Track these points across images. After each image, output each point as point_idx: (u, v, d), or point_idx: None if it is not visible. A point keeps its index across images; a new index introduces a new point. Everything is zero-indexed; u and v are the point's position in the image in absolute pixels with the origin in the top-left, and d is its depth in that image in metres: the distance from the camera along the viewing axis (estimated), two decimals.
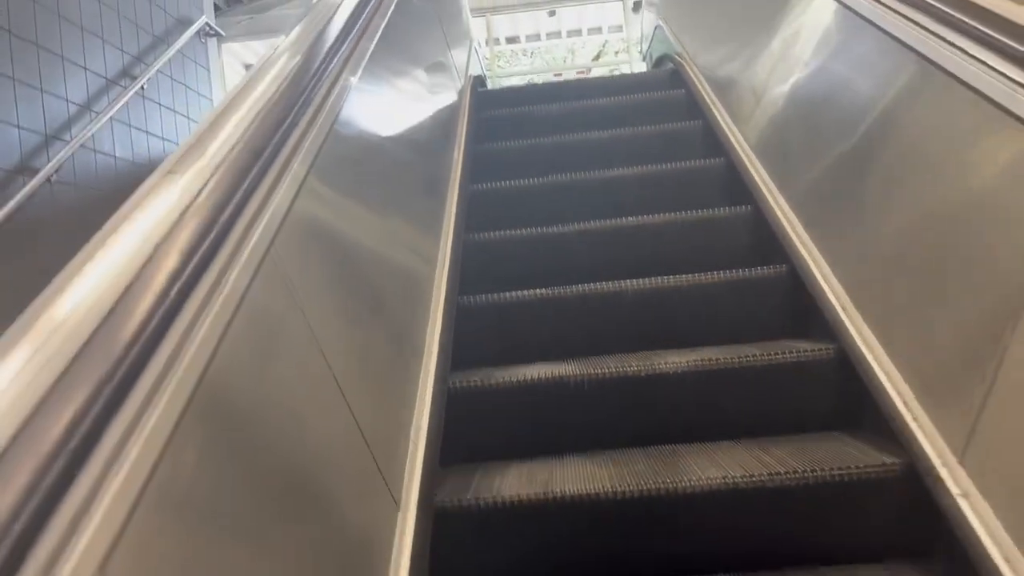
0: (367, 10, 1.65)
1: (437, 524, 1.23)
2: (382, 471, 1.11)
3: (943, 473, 1.17)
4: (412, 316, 1.59)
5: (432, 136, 2.26)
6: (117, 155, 3.98)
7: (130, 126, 4.12)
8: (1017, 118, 1.05)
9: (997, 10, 1.12)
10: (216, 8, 6.03)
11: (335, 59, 1.36)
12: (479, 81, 3.67)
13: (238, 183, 0.87)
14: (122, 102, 3.94)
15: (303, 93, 1.15)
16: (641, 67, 7.74)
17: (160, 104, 4.47)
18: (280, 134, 1.03)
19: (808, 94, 1.91)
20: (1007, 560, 1.00)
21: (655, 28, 4.35)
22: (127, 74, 4.14)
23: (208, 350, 0.69)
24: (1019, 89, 1.05)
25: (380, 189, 1.58)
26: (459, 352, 1.73)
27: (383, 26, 1.71)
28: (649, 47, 4.77)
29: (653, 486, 1.25)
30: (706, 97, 2.80)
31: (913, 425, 1.27)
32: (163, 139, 4.46)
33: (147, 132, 4.30)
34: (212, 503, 0.66)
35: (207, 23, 5.22)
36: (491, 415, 1.57)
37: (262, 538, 0.75)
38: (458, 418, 1.52)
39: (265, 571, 0.74)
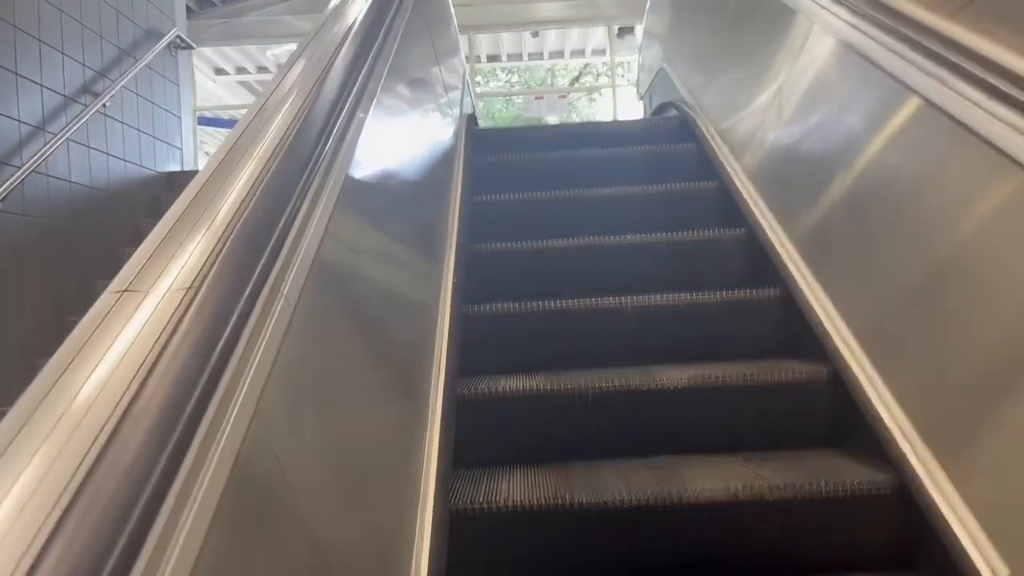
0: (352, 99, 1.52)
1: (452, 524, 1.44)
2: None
3: (930, 488, 1.40)
4: (422, 323, 1.82)
5: (430, 194, 2.40)
6: (73, 180, 3.99)
7: (89, 147, 4.16)
8: (1001, 150, 1.26)
9: (987, 53, 1.33)
10: (187, 10, 5.98)
11: (329, 140, 1.32)
12: (472, 119, 3.95)
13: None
14: (81, 121, 3.96)
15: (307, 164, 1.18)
16: (623, 91, 8.07)
17: (123, 123, 4.53)
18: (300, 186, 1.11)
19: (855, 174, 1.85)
20: None
21: (658, 71, 4.59)
22: (88, 91, 4.18)
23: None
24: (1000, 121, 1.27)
25: (385, 257, 1.72)
26: (464, 361, 1.97)
27: (373, 106, 1.71)
28: (649, 88, 5.03)
29: (660, 495, 1.46)
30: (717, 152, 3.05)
31: (903, 442, 1.51)
32: (125, 161, 4.52)
33: (108, 154, 4.34)
34: None
35: (178, 35, 5.27)
36: (498, 424, 1.80)
37: None
38: (464, 426, 1.74)
39: None
